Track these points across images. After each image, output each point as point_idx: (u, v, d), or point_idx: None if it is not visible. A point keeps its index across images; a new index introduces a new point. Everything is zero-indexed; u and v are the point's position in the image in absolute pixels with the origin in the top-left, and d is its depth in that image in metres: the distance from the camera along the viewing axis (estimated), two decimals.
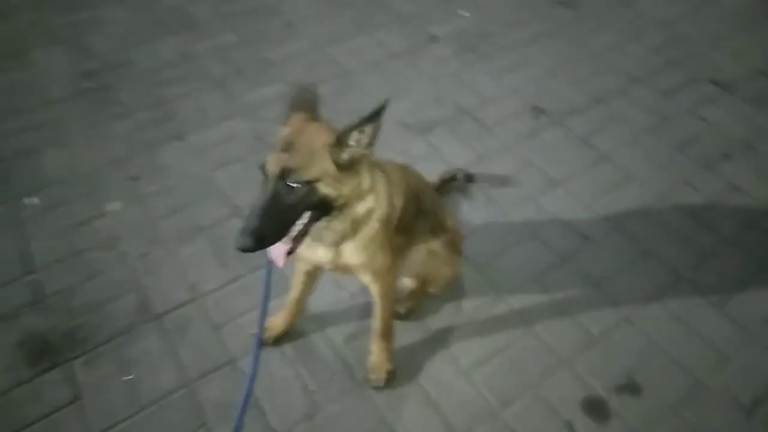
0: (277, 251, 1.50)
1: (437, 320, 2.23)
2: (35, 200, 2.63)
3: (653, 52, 3.56)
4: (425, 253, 2.03)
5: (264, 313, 1.71)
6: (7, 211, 2.57)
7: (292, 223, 1.47)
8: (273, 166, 1.44)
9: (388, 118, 1.45)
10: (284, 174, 1.42)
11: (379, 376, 2.01)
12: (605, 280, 2.36)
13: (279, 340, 2.12)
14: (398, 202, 1.74)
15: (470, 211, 2.60)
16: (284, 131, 1.50)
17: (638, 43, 3.64)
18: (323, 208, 1.50)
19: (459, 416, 1.96)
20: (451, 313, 2.25)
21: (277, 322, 2.13)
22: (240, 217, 2.58)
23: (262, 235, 1.40)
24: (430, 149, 2.92)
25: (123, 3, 3.91)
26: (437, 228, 2.04)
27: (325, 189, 1.46)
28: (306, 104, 1.57)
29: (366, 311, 2.22)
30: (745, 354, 2.14)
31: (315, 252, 1.70)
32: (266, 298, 1.71)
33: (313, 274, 2.01)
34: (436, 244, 2.04)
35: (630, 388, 2.05)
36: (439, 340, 2.17)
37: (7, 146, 2.88)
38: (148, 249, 2.45)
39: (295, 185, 1.42)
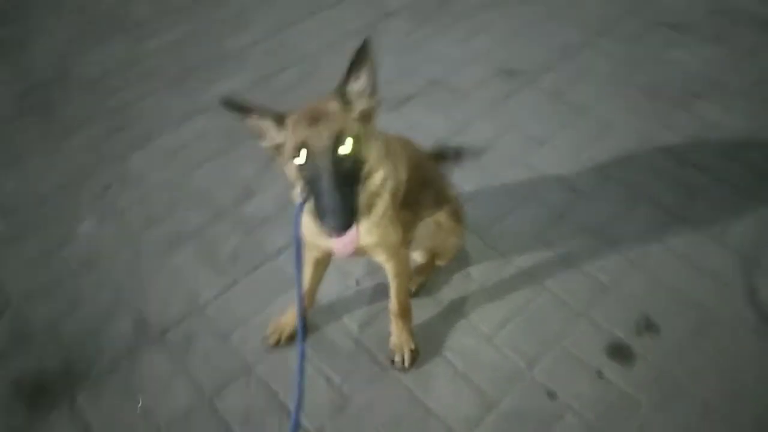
0: (345, 237, 1.40)
1: (449, 292, 2.19)
2: None
3: (608, 3, 3.59)
4: (432, 226, 1.98)
5: (300, 302, 1.60)
6: None
7: (355, 195, 1.40)
8: (321, 140, 1.36)
9: None
10: (337, 143, 1.35)
11: (402, 356, 1.96)
12: (604, 229, 2.37)
13: (293, 337, 2.03)
14: (402, 175, 1.68)
15: (461, 179, 2.55)
16: (298, 111, 1.43)
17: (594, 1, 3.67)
18: (358, 178, 1.43)
19: (490, 383, 1.93)
20: (461, 283, 2.22)
21: (287, 320, 2.04)
22: (225, 218, 2.46)
23: (349, 210, 1.35)
24: (407, 123, 2.85)
25: (55, 12, 3.65)
26: (440, 199, 2.00)
27: (364, 152, 1.41)
28: None
29: (375, 295, 2.17)
30: (747, 278, 2.20)
31: (338, 241, 1.60)
32: (299, 283, 1.59)
33: (323, 261, 1.93)
34: (441, 216, 2.00)
35: (648, 328, 2.07)
36: (455, 311, 2.14)
37: None
38: (133, 265, 2.30)
39: (344, 153, 1.37)
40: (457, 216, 2.07)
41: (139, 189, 2.59)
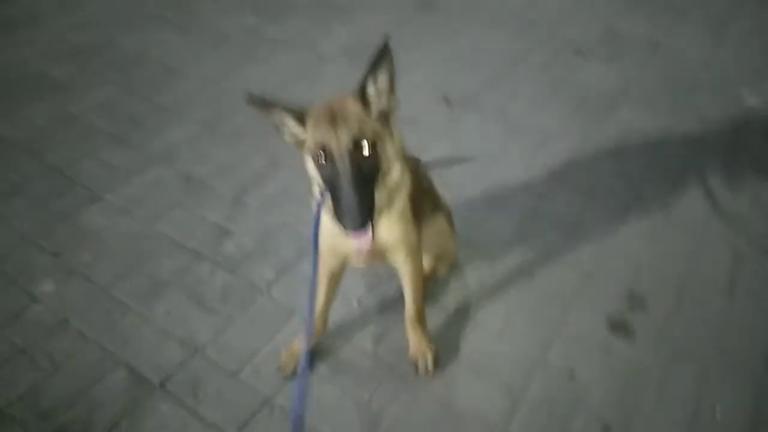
0: (363, 234, 1.41)
1: (450, 299, 2.23)
2: None
3: (517, 38, 3.97)
4: (434, 231, 2.02)
5: (311, 321, 1.55)
6: None
7: (373, 194, 1.41)
8: (340, 142, 1.37)
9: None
10: (358, 141, 1.36)
11: (426, 361, 1.94)
12: (573, 223, 2.55)
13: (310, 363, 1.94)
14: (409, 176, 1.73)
15: None
16: (318, 108, 1.43)
17: (502, 31, 4.03)
18: (376, 177, 1.45)
19: (512, 375, 1.97)
20: (460, 288, 2.27)
21: (299, 347, 1.95)
22: (204, 258, 2.34)
23: (366, 210, 1.37)
24: None
25: None
26: (437, 204, 2.06)
27: (384, 150, 1.43)
28: None
29: (381, 310, 2.16)
30: (706, 249, 2.45)
31: (356, 239, 1.60)
32: (312, 301, 1.55)
33: (337, 275, 1.89)
34: (440, 221, 2.05)
35: (637, 302, 2.22)
36: (461, 315, 2.17)
37: None
38: (110, 320, 2.10)
39: (366, 153, 1.39)
40: (451, 222, 2.14)
41: (97, 246, 2.40)
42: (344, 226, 1.38)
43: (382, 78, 1.43)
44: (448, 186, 2.41)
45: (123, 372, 1.93)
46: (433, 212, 2.02)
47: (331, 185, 1.40)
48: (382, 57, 1.40)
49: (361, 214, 1.36)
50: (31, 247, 2.39)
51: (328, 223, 1.54)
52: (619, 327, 2.14)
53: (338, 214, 1.39)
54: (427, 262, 2.10)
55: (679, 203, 2.65)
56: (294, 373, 1.90)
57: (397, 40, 1.41)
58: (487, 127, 3.14)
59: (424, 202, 1.90)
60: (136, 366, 1.95)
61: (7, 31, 3.94)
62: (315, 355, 1.97)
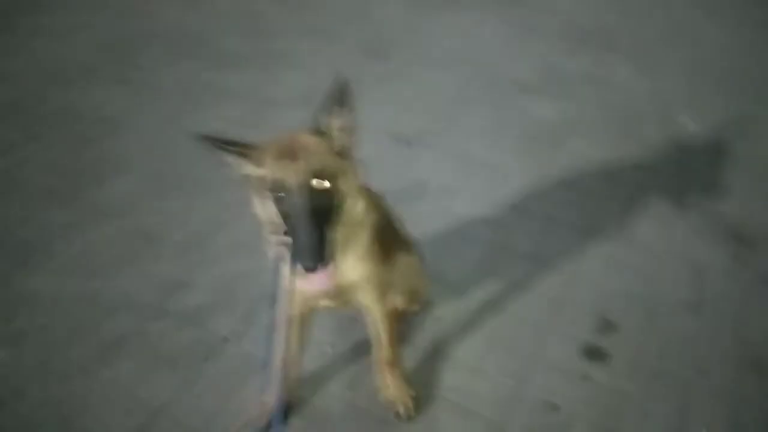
0: (319, 274, 1.34)
1: (425, 337, 2.17)
2: None
3: (464, 79, 4.07)
4: (403, 267, 1.97)
5: (269, 373, 1.46)
6: None
7: (330, 231, 1.35)
8: (297, 175, 1.31)
9: None
10: (315, 177, 1.31)
11: (405, 405, 1.85)
12: (537, 252, 2.56)
13: (284, 415, 1.81)
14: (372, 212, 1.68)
15: None
16: (275, 144, 1.38)
17: (450, 74, 4.11)
18: (337, 213, 1.40)
19: (494, 410, 1.91)
20: (433, 326, 2.22)
21: (269, 403, 1.82)
22: (163, 313, 2.20)
23: (322, 248, 1.31)
24: None
25: None
26: (404, 241, 2.02)
27: (343, 186, 1.38)
28: None
29: (354, 354, 2.08)
30: (668, 269, 2.50)
31: (312, 279, 1.44)
32: (271, 350, 1.47)
33: (308, 318, 1.80)
34: (409, 257, 2.01)
35: (608, 327, 2.23)
36: (436, 353, 2.11)
37: None
38: (67, 385, 1.93)
39: (322, 188, 1.33)
40: (420, 258, 2.10)
41: (45, 311, 2.22)
42: (300, 265, 1.32)
43: (342, 113, 1.41)
44: (411, 223, 2.39)
45: None
46: (401, 248, 1.97)
47: (288, 221, 1.35)
48: (342, 92, 1.38)
49: (317, 250, 1.30)
50: None
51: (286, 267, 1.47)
52: (594, 353, 2.13)
53: (294, 253, 1.34)
54: (399, 301, 2.04)
55: (637, 227, 2.72)
56: (267, 428, 1.77)
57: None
58: (445, 164, 3.16)
59: (392, 238, 1.86)
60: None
61: None
62: (289, 407, 1.85)
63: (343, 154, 1.43)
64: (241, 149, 1.40)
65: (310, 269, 1.31)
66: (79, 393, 1.92)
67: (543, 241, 2.63)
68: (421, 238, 2.43)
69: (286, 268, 1.46)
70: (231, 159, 1.42)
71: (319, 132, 1.41)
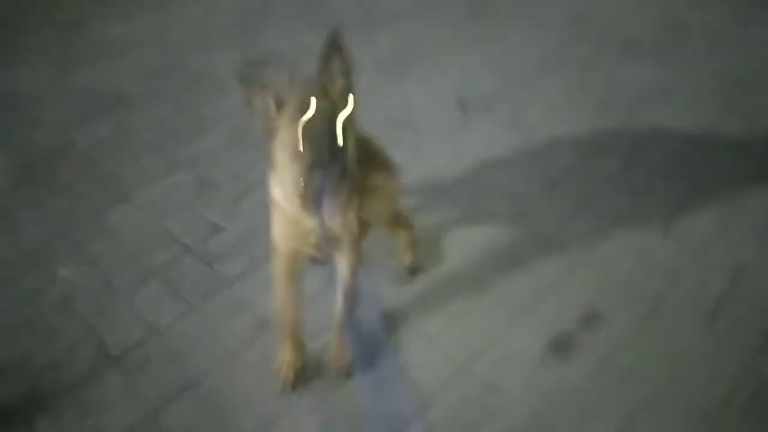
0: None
1: (395, 301, 2.23)
2: None
3: (559, 42, 3.78)
4: (384, 189, 1.96)
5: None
6: None
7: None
8: (323, 103, 1.43)
9: None
10: (332, 110, 1.43)
11: (342, 367, 1.96)
12: (556, 234, 2.41)
13: (301, 379, 1.94)
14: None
15: (413, 195, 2.65)
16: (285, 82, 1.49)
17: (550, 33, 3.86)
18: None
19: (432, 380, 1.93)
20: (408, 291, 2.26)
21: (289, 357, 1.94)
22: (191, 252, 2.60)
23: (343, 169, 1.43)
24: None
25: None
26: (382, 162, 1.98)
27: (351, 130, 1.47)
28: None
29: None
30: (696, 269, 2.18)
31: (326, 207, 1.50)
32: None
33: (296, 273, 1.88)
34: (388, 179, 1.98)
35: (592, 319, 2.06)
36: (402, 317, 2.16)
37: None
38: (101, 303, 2.43)
39: (338, 125, 1.43)
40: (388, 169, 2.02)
41: (114, 238, 2.77)
42: (317, 181, 1.41)
43: (338, 59, 1.48)
44: (431, 189, 2.40)
45: (93, 346, 2.22)
46: (380, 172, 1.94)
47: (312, 142, 1.42)
48: (336, 40, 1.47)
49: (342, 165, 1.41)
50: (64, 237, 2.82)
51: (286, 207, 1.61)
52: (563, 345, 2.00)
53: (313, 167, 1.42)
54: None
55: (684, 219, 2.37)
56: (296, 384, 1.94)
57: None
58: (496, 133, 3.05)
59: (372, 171, 1.85)
60: (105, 342, 2.24)
61: (105, 56, 4.61)
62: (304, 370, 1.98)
63: (343, 95, 1.49)
64: (271, 92, 1.50)
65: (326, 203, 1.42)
66: (107, 312, 2.37)
67: (566, 222, 2.45)
68: (434, 202, 2.45)
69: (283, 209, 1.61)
70: (257, 101, 1.53)
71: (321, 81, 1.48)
